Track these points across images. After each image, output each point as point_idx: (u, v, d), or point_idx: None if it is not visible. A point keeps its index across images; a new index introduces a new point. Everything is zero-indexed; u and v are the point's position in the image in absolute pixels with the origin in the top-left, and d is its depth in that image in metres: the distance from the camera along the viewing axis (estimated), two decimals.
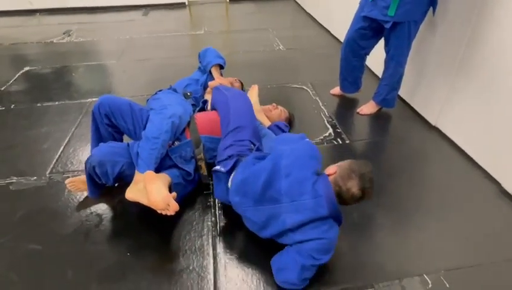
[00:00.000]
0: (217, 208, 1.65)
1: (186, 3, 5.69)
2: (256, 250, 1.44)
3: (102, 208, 1.66)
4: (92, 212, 1.64)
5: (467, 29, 1.87)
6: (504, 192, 1.72)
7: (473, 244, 1.47)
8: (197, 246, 1.46)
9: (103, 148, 1.54)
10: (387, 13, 1.96)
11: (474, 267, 1.36)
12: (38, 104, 2.61)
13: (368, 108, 2.42)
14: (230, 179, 1.42)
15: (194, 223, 1.59)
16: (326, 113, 2.42)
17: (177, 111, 1.63)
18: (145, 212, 1.57)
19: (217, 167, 1.48)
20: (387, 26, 2.00)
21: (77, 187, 1.67)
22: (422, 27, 2.06)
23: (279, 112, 2.05)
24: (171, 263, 1.39)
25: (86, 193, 1.72)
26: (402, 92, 2.56)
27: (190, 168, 1.64)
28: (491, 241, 1.48)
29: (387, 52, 2.15)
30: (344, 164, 1.27)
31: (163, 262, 1.40)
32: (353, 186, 1.20)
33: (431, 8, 1.98)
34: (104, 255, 1.42)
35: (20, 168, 1.94)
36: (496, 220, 1.59)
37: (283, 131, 1.87)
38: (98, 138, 1.73)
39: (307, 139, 1.45)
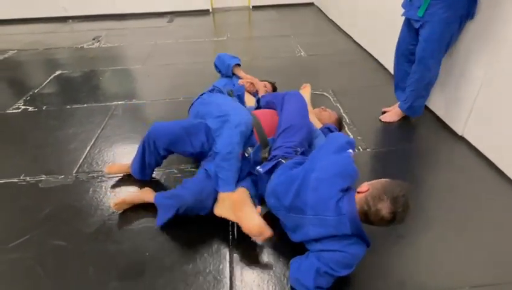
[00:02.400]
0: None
1: (210, 10, 5.81)
2: (273, 256, 1.44)
3: (124, 209, 1.71)
4: (114, 212, 1.68)
5: (496, 39, 1.80)
6: None
7: (501, 260, 1.39)
8: (214, 250, 1.47)
9: (190, 189, 1.53)
10: (418, 13, 1.95)
11: (502, 286, 1.30)
12: (68, 106, 2.73)
13: (391, 116, 2.37)
14: (269, 181, 1.46)
15: (213, 227, 1.60)
16: (348, 120, 2.39)
17: (242, 118, 1.60)
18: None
19: (258, 168, 1.52)
20: (417, 26, 1.99)
21: (121, 208, 1.66)
22: None
23: (328, 114, 2.05)
24: (188, 265, 1.41)
25: (109, 196, 1.79)
26: (431, 100, 2.49)
27: None
28: None
29: (416, 54, 2.09)
30: (377, 183, 1.20)
31: (180, 264, 1.42)
32: (383, 209, 1.12)
33: None
34: (124, 254, 1.46)
35: (49, 167, 2.03)
36: None
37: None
38: (142, 164, 1.75)
39: (347, 152, 1.36)
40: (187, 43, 4.24)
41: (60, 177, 1.94)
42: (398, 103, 2.37)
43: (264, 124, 1.71)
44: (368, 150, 2.09)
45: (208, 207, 1.49)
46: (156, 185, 1.83)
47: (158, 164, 1.78)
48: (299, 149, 1.56)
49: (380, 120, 2.38)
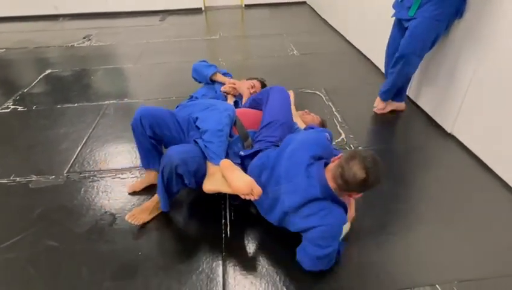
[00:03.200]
0: (227, 211, 1.67)
1: (203, 9, 5.79)
2: (266, 253, 1.45)
3: (115, 208, 1.70)
4: (106, 212, 1.68)
5: (484, 37, 1.84)
6: None
7: (488, 255, 1.43)
8: (207, 248, 1.48)
9: (177, 148, 1.48)
10: (409, 13, 2.00)
11: (489, 280, 1.32)
12: (58, 106, 2.71)
13: (382, 105, 2.43)
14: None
15: (205, 225, 1.61)
16: (340, 119, 2.41)
17: (228, 106, 1.68)
18: (155, 215, 1.62)
19: (240, 152, 1.59)
20: (406, 25, 2.05)
21: (140, 218, 1.56)
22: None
23: (311, 118, 2.07)
24: (181, 264, 1.41)
25: (101, 196, 1.78)
26: (417, 97, 2.53)
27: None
28: (508, 253, 1.44)
29: (399, 47, 2.11)
30: (347, 151, 1.31)
31: (173, 263, 1.42)
32: (355, 166, 1.17)
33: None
34: (117, 254, 1.46)
35: (40, 167, 2.01)
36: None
37: None
38: (145, 149, 1.69)
39: (324, 133, 1.47)
40: (179, 41, 4.22)
41: (50, 178, 1.92)
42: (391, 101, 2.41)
43: (243, 119, 1.75)
44: (359, 147, 2.12)
45: (192, 172, 1.44)
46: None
47: (155, 148, 1.70)
48: (279, 144, 1.57)
49: (374, 111, 2.46)
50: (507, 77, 1.72)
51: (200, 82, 2.31)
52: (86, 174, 1.94)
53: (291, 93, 2.14)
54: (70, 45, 4.17)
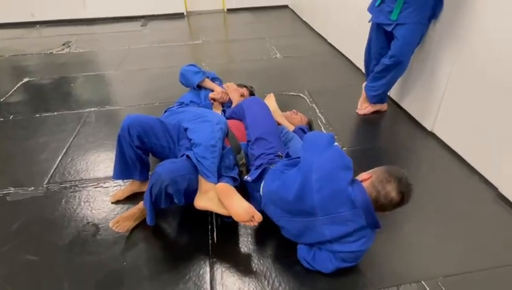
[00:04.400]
0: (214, 216, 1.65)
1: (185, 14, 5.75)
2: (253, 259, 1.44)
3: (98, 218, 1.66)
4: (88, 222, 1.63)
5: (459, 38, 1.90)
6: (501, 196, 1.71)
7: (472, 250, 1.46)
8: (193, 255, 1.45)
9: (168, 165, 1.41)
10: (391, 17, 2.03)
11: (473, 274, 1.35)
12: (37, 115, 2.63)
13: (367, 109, 2.47)
14: (261, 187, 1.44)
15: (192, 231, 1.58)
16: (324, 120, 2.43)
17: (220, 118, 1.64)
18: (140, 222, 1.58)
19: (246, 177, 1.51)
20: (389, 29, 2.08)
21: (124, 225, 1.51)
22: None
23: (300, 118, 2.08)
24: (167, 273, 1.38)
25: (83, 206, 1.73)
26: (398, 97, 2.59)
27: (235, 174, 1.62)
28: (489, 246, 1.47)
29: (390, 54, 2.15)
30: (379, 169, 1.24)
31: (159, 272, 1.39)
32: (392, 190, 1.16)
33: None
34: (100, 265, 1.41)
35: (18, 178, 1.94)
36: (493, 225, 1.58)
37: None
38: (124, 162, 1.63)
39: (336, 145, 1.37)
40: (162, 47, 4.18)
41: (29, 189, 1.85)
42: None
43: (235, 131, 1.73)
44: (344, 148, 2.14)
45: (182, 192, 1.40)
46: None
47: (141, 159, 1.64)
48: (280, 153, 1.56)
49: (358, 113, 2.49)
50: (481, 75, 1.78)
51: (187, 87, 2.25)
52: (67, 185, 1.88)
53: (271, 96, 2.14)
54: (48, 52, 4.07)
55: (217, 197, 1.43)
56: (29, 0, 5.22)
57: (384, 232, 1.53)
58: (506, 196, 1.70)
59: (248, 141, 1.68)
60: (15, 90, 3.08)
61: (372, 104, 2.46)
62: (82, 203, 1.75)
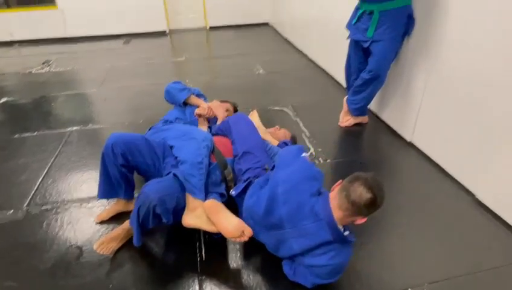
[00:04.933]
0: (201, 234, 1.63)
1: (167, 32, 5.81)
2: (243, 274, 1.43)
3: (82, 240, 1.61)
4: (71, 245, 1.58)
5: (431, 53, 2.01)
6: (478, 202, 1.79)
7: (454, 255, 1.50)
8: (182, 274, 1.43)
9: (155, 185, 1.39)
10: (367, 34, 2.13)
11: (457, 278, 1.39)
12: (16, 136, 2.56)
13: (349, 121, 2.55)
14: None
15: (179, 250, 1.56)
16: (308, 134, 2.49)
17: (206, 135, 1.65)
18: (126, 242, 1.55)
19: (231, 192, 1.52)
20: (366, 45, 2.18)
21: (109, 247, 1.48)
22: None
23: (283, 133, 2.11)
24: None
25: (66, 228, 1.68)
26: (378, 110, 2.68)
27: (223, 189, 1.61)
28: (471, 251, 1.52)
29: (368, 68, 2.25)
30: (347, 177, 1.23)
31: None
32: (359, 186, 1.14)
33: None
34: (85, 289, 1.37)
35: None
36: (473, 231, 1.64)
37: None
38: (108, 181, 1.60)
39: (303, 157, 1.41)
40: (145, 64, 4.19)
41: (8, 213, 1.79)
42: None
43: (220, 147, 1.74)
44: (328, 161, 2.18)
45: (170, 211, 1.38)
46: None
47: (126, 178, 1.62)
48: (267, 166, 1.59)
49: (340, 125, 2.57)
50: (454, 86, 1.88)
51: (172, 104, 2.24)
52: (49, 206, 1.83)
53: (255, 113, 2.17)
54: (28, 71, 4.00)
55: (205, 214, 1.42)
56: (7, 19, 5.15)
57: (370, 243, 1.57)
58: (483, 201, 1.77)
59: (235, 156, 1.70)
60: None
61: (354, 117, 2.54)
62: (65, 225, 1.70)
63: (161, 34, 5.72)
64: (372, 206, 1.14)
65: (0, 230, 1.69)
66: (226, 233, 1.34)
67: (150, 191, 1.35)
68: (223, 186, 1.65)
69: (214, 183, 1.60)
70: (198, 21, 6.06)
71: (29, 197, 1.90)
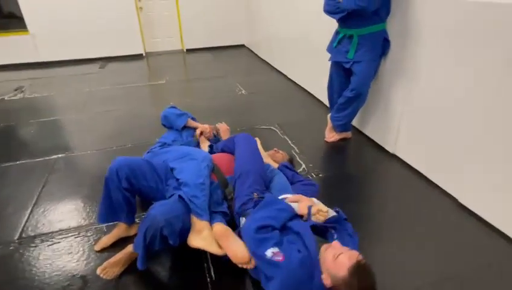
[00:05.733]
0: (208, 254, 1.64)
1: (144, 55, 5.83)
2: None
3: (84, 269, 1.57)
4: (74, 275, 1.54)
5: (407, 69, 2.21)
6: (461, 206, 1.95)
7: (441, 258, 1.61)
8: None
9: (161, 207, 1.41)
10: (348, 56, 2.30)
11: (446, 280, 1.50)
12: None
13: (334, 137, 2.69)
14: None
15: (187, 272, 1.56)
16: (297, 150, 2.59)
17: (206, 155, 1.67)
18: (129, 266, 1.54)
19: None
20: (347, 66, 2.36)
21: (112, 272, 1.49)
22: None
23: (281, 156, 2.19)
24: None
25: (64, 258, 1.63)
26: (360, 125, 2.85)
27: (225, 208, 1.64)
28: (457, 253, 1.64)
29: (351, 87, 2.42)
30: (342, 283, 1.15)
31: None
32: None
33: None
34: None
35: None
36: (458, 233, 1.78)
37: (290, 169, 1.95)
38: (110, 205, 1.60)
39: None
40: (125, 88, 4.17)
41: None
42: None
43: (220, 165, 1.78)
44: (320, 175, 2.29)
45: (177, 232, 1.40)
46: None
47: (128, 202, 1.61)
48: (255, 194, 1.59)
49: (326, 141, 2.70)
50: (429, 100, 2.08)
51: (169, 128, 2.24)
52: (43, 237, 1.77)
53: (257, 140, 2.25)
54: None
55: (210, 236, 1.45)
56: None
57: (361, 252, 1.65)
58: (465, 204, 1.93)
59: (235, 174, 1.74)
60: None
61: (339, 133, 2.69)
62: (63, 256, 1.65)
63: (138, 57, 5.72)
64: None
65: None
66: (235, 259, 1.36)
67: (157, 213, 1.37)
68: (225, 205, 1.70)
69: (216, 202, 1.64)
70: (175, 43, 6.14)
71: (20, 230, 1.82)
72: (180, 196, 1.51)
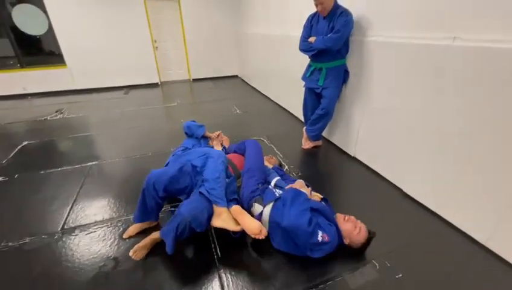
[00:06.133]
0: (214, 237, 1.64)
1: (159, 83, 5.82)
2: (254, 265, 1.46)
3: (116, 252, 1.55)
4: (108, 257, 1.51)
5: (363, 93, 2.30)
6: (406, 195, 2.01)
7: (393, 234, 1.66)
8: (204, 269, 1.43)
9: (187, 206, 1.41)
10: (318, 83, 2.36)
11: (401, 249, 1.55)
12: (42, 172, 2.39)
13: (308, 144, 2.74)
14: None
15: (198, 252, 1.56)
16: (281, 155, 2.63)
17: (220, 153, 1.67)
18: (155, 248, 1.52)
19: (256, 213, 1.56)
20: (318, 91, 2.44)
21: (141, 253, 1.49)
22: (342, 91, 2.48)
23: (273, 160, 2.23)
24: (185, 285, 1.33)
25: (100, 244, 1.61)
26: (328, 135, 2.91)
27: (236, 196, 1.65)
28: (403, 230, 1.70)
29: (321, 107, 2.49)
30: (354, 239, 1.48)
31: (179, 284, 1.33)
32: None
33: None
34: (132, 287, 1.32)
35: (32, 229, 1.73)
36: (404, 215, 1.83)
37: (281, 170, 2.00)
38: (144, 210, 1.59)
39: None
40: (145, 109, 4.14)
41: (45, 237, 1.66)
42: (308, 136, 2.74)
43: (235, 162, 1.83)
44: (299, 174, 2.32)
45: (203, 223, 1.42)
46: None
47: (159, 206, 1.61)
48: (259, 185, 1.65)
49: (303, 148, 2.74)
50: (379, 116, 2.16)
51: (190, 136, 2.24)
52: (81, 228, 1.73)
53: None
54: (43, 118, 3.76)
55: (229, 217, 1.46)
56: (20, 76, 4.85)
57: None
58: (409, 194, 2.00)
59: (244, 167, 1.77)
60: (15, 152, 2.77)
61: (312, 141, 2.75)
62: (99, 242, 1.62)
63: (154, 85, 5.71)
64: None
65: (40, 253, 1.56)
66: (250, 230, 1.38)
67: (185, 211, 1.39)
68: (237, 193, 1.70)
69: (232, 191, 1.65)
70: (184, 74, 6.17)
71: (63, 222, 1.78)
72: (200, 192, 1.51)
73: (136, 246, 1.48)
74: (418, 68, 1.77)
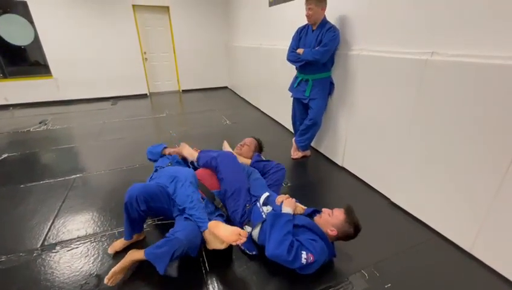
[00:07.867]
0: (203, 251, 1.61)
1: (148, 94, 5.78)
2: (242, 279, 1.43)
3: (99, 268, 1.49)
4: (90, 274, 1.45)
5: (348, 104, 2.36)
6: (393, 204, 2.04)
7: (383, 243, 1.68)
8: (193, 284, 1.39)
9: (184, 233, 1.38)
10: (305, 94, 2.41)
11: (389, 258, 1.56)
12: (22, 186, 2.29)
13: (297, 154, 2.76)
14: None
15: (187, 267, 1.51)
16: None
17: (187, 174, 1.62)
18: (139, 267, 1.47)
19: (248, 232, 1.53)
20: (305, 101, 2.48)
21: (118, 278, 1.39)
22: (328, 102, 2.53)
23: (247, 148, 2.06)
24: None
25: (82, 261, 1.54)
26: (316, 145, 2.95)
27: (219, 212, 1.62)
28: (392, 239, 1.71)
29: (309, 118, 2.53)
30: (339, 223, 1.44)
31: None
32: (351, 232, 1.43)
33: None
34: None
35: (9, 246, 1.64)
36: (392, 224, 1.85)
37: (261, 161, 1.87)
38: (131, 225, 1.53)
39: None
40: (133, 120, 4.09)
41: (22, 254, 1.58)
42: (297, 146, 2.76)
43: (204, 181, 1.73)
44: (288, 184, 2.33)
45: (197, 246, 1.41)
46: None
47: (142, 218, 1.53)
48: (247, 205, 1.61)
49: (292, 158, 2.75)
50: (364, 126, 2.21)
51: (154, 161, 2.08)
52: (63, 244, 1.66)
53: (225, 143, 2.24)
54: (26, 130, 3.64)
55: (212, 238, 1.41)
56: (2, 86, 4.71)
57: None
58: (396, 203, 2.03)
59: (224, 191, 1.67)
60: None
61: (301, 151, 2.77)
62: (81, 259, 1.55)
63: (143, 96, 5.67)
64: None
65: (16, 271, 1.47)
66: (227, 239, 1.33)
67: (181, 236, 1.36)
68: (219, 211, 1.67)
69: (210, 213, 1.61)
70: (173, 85, 6.16)
71: (42, 238, 1.70)
72: (186, 218, 1.49)
73: (111, 271, 1.38)
74: (399, 81, 1.84)
